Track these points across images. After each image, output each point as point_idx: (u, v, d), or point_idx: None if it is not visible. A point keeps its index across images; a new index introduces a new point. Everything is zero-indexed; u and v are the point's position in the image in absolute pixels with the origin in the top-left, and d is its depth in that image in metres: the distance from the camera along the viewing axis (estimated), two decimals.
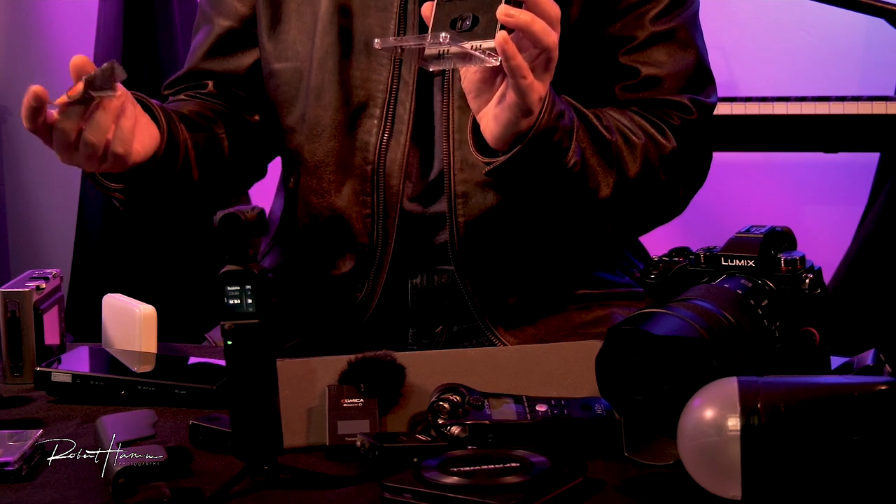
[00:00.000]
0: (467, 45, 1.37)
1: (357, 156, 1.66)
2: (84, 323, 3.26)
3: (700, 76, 1.67)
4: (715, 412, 1.09)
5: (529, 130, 1.44)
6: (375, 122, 1.65)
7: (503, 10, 1.37)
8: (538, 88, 1.41)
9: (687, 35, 1.66)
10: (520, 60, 1.37)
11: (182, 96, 1.78)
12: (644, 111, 1.64)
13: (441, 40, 1.36)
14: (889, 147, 3.09)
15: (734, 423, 1.08)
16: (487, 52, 1.37)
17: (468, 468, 1.15)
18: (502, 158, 1.47)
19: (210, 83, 1.77)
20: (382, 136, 1.64)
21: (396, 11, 1.64)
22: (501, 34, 1.36)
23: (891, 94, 3.20)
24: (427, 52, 1.39)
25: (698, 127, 1.66)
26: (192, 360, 1.55)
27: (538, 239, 1.67)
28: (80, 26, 3.64)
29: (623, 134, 1.59)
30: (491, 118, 1.44)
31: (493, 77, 1.43)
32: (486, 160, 1.49)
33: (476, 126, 1.48)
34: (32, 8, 3.75)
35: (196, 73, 1.78)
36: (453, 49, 1.38)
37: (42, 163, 3.78)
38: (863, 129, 3.01)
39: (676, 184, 1.65)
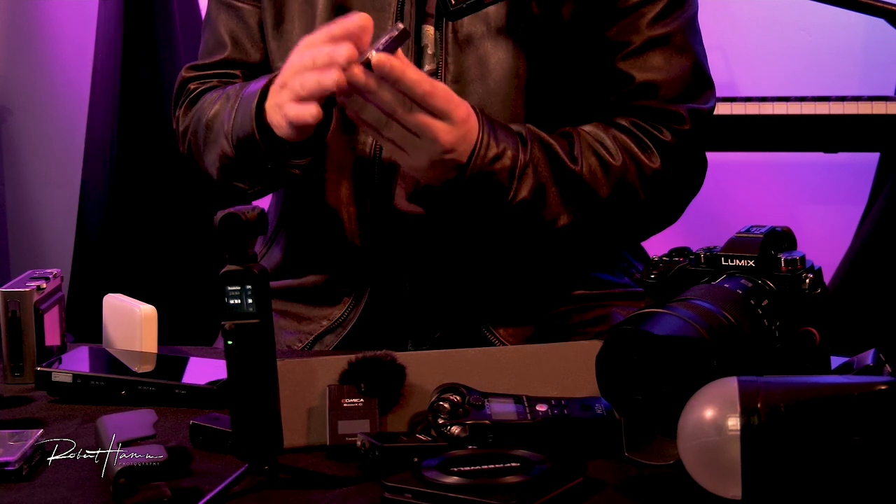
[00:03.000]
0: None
1: (354, 155, 1.65)
2: (84, 323, 3.26)
3: (697, 81, 1.66)
4: (715, 412, 1.09)
5: (459, 179, 1.47)
6: None
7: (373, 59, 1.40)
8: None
9: (684, 39, 1.65)
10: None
11: (215, 82, 1.75)
12: (633, 126, 1.63)
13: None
14: (889, 147, 3.09)
15: (734, 422, 1.08)
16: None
17: (468, 468, 1.15)
18: (433, 203, 1.48)
19: (240, 73, 1.75)
20: None
21: (394, 11, 1.63)
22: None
23: (891, 94, 3.20)
24: None
25: (691, 137, 1.64)
26: (192, 359, 1.55)
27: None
28: (80, 26, 3.63)
29: (598, 155, 1.59)
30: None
31: None
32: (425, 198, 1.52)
33: None
34: (32, 8, 3.74)
35: (230, 62, 1.75)
36: None
37: (42, 163, 3.78)
38: (863, 129, 3.01)
39: (659, 202, 1.64)
